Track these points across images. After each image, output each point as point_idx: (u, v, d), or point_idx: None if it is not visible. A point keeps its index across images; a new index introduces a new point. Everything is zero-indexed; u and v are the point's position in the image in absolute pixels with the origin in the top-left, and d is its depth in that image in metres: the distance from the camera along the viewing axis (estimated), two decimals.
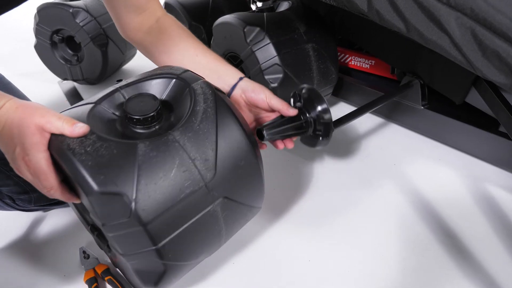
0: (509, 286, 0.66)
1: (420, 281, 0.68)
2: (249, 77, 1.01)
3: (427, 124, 0.99)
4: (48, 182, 0.48)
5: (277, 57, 0.94)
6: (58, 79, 1.50)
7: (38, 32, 1.36)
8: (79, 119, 0.50)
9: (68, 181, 0.52)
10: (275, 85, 0.95)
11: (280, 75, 0.95)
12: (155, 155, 0.48)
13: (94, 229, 0.61)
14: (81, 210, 0.64)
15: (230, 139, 0.54)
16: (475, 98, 0.85)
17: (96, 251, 0.75)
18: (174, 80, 0.58)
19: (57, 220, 0.84)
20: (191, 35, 0.73)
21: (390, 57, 1.00)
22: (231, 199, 0.55)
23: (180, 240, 0.51)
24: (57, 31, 1.36)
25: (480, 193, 0.85)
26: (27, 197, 0.69)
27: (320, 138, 0.67)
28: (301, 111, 0.68)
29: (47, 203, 0.74)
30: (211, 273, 0.72)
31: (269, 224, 0.82)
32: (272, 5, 1.14)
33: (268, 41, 0.94)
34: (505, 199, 0.83)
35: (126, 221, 0.46)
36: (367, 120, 1.12)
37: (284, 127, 0.65)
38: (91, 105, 0.54)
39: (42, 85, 1.53)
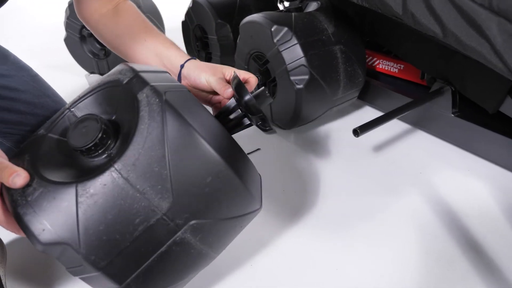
0: None
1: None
2: (274, 78, 1.00)
3: (457, 132, 0.96)
4: (11, 228, 0.46)
5: (304, 58, 0.92)
6: (86, 72, 1.52)
7: (68, 26, 1.39)
8: (29, 156, 0.48)
9: None
10: (300, 86, 0.94)
11: (306, 77, 0.93)
12: (96, 197, 0.43)
13: None
14: None
15: (187, 157, 0.45)
16: (510, 108, 0.82)
17: None
18: (121, 89, 0.49)
19: None
20: (146, 21, 0.71)
21: (420, 61, 0.97)
22: (204, 220, 0.47)
23: (148, 275, 0.46)
24: None
25: (509, 206, 0.81)
26: None
27: (266, 131, 0.59)
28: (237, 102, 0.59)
29: None
30: (227, 274, 0.71)
31: (289, 227, 0.80)
32: (300, 5, 1.12)
33: (296, 41, 0.93)
34: None
35: (81, 268, 0.43)
36: (393, 126, 1.09)
37: (223, 118, 0.58)
38: (40, 136, 0.50)
39: (70, 77, 1.56)
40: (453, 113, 0.94)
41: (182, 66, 0.65)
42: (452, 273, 0.68)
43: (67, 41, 1.43)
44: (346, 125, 1.14)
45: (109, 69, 1.43)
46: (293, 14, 0.99)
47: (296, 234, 0.79)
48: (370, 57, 1.18)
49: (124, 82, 0.49)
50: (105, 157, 0.46)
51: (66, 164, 0.48)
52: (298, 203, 0.87)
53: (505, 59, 0.50)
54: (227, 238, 0.54)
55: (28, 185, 0.44)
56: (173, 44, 0.69)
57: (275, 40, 0.94)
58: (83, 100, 0.51)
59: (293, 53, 0.93)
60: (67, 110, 0.51)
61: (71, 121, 0.50)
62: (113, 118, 0.50)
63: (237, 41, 1.09)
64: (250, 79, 0.63)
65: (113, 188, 0.43)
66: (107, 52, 1.41)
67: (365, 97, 1.18)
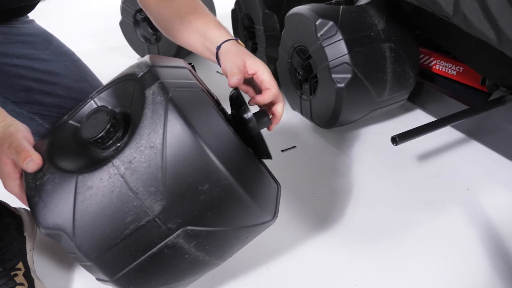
0: None
1: None
2: (316, 75, 0.95)
3: None
4: (25, 203, 0.49)
5: (347, 55, 0.87)
6: (138, 56, 1.57)
7: (123, 10, 1.43)
8: (48, 140, 0.50)
9: None
10: (341, 85, 0.88)
11: (349, 75, 0.87)
12: (93, 190, 0.43)
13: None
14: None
15: (185, 161, 0.43)
16: None
17: None
18: (135, 83, 0.49)
19: None
20: (196, 2, 0.69)
21: (481, 65, 0.87)
22: (199, 227, 0.46)
23: (139, 273, 0.46)
24: (140, 10, 1.42)
25: None
26: None
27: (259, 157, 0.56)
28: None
29: None
30: (242, 275, 0.70)
31: (312, 233, 0.77)
32: None
33: (340, 37, 0.87)
34: None
35: (76, 256, 0.45)
36: (445, 133, 0.99)
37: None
38: (63, 121, 0.52)
39: (123, 60, 1.62)
40: None
41: (218, 48, 0.63)
42: None
43: (122, 25, 1.48)
44: (392, 129, 1.06)
45: (159, 54, 1.47)
46: (341, 7, 0.92)
47: (319, 242, 0.75)
48: (427, 57, 1.08)
49: (139, 76, 0.48)
50: (113, 149, 0.46)
51: (79, 152, 0.48)
52: (326, 208, 0.82)
53: None
54: (230, 247, 0.52)
55: (40, 169, 0.46)
56: (217, 24, 0.66)
57: (318, 35, 0.89)
58: (105, 90, 0.52)
59: (337, 50, 0.88)
60: (90, 99, 0.52)
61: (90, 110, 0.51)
62: (128, 111, 0.49)
63: (282, 33, 1.05)
64: (277, 108, 0.59)
65: (108, 184, 0.43)
66: (158, 37, 1.44)
67: (417, 100, 1.09)
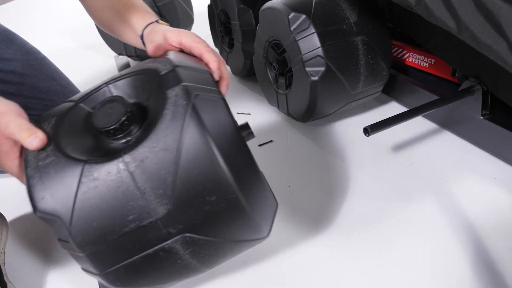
0: None
1: None
2: (290, 68, 0.95)
3: (486, 136, 0.87)
4: (21, 181, 0.47)
5: (320, 48, 0.87)
6: (115, 53, 1.55)
7: None
8: (55, 120, 0.48)
9: None
10: (315, 78, 0.89)
11: (322, 68, 0.88)
12: (98, 182, 0.42)
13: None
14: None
15: (198, 170, 0.43)
16: None
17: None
18: (157, 79, 0.48)
19: None
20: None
21: (450, 56, 0.89)
22: (198, 236, 0.46)
23: (128, 271, 0.46)
24: None
25: None
26: None
27: None
28: None
29: None
30: (218, 270, 0.70)
31: (290, 227, 0.77)
32: None
33: (313, 30, 0.88)
34: None
35: (68, 244, 0.43)
36: (417, 124, 1.01)
37: None
38: (72, 103, 0.50)
39: (100, 58, 1.60)
40: (483, 115, 0.85)
41: (142, 35, 0.62)
42: None
43: None
44: (367, 122, 1.05)
45: (136, 52, 1.45)
46: (314, 0, 0.93)
47: (295, 234, 0.76)
48: (400, 49, 1.10)
49: (162, 73, 0.48)
50: (124, 142, 0.45)
51: (86, 138, 0.48)
52: (301, 200, 0.83)
53: None
54: (222, 257, 0.52)
55: (43, 149, 0.45)
56: (140, 11, 0.64)
57: (292, 28, 0.89)
58: (122, 79, 0.51)
59: (310, 43, 0.88)
60: (105, 85, 0.51)
61: (105, 97, 0.50)
62: (145, 104, 0.49)
63: (257, 27, 1.05)
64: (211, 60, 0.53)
65: (116, 179, 0.42)
66: None
67: (391, 92, 1.11)
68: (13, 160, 0.46)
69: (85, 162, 0.43)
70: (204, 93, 0.46)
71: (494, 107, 0.85)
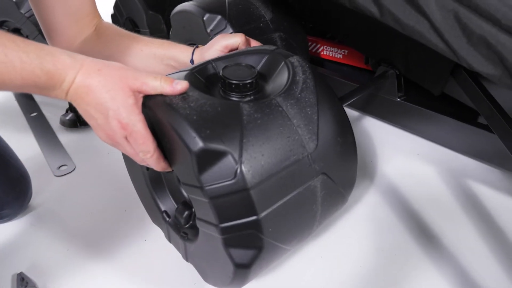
0: (488, 285, 0.61)
1: (395, 282, 0.62)
2: None
3: (405, 117, 0.93)
4: (146, 145, 0.46)
5: None
6: None
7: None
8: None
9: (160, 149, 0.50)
10: None
11: None
12: (259, 117, 0.46)
13: (168, 216, 0.61)
14: (156, 191, 0.62)
15: (330, 113, 0.51)
16: (454, 89, 0.79)
17: (38, 276, 0.65)
18: (267, 56, 0.57)
19: None
20: (129, 33, 0.68)
21: (363, 45, 0.93)
22: (330, 177, 0.51)
23: (280, 214, 0.47)
24: (1, 23, 1.23)
25: (460, 189, 0.80)
26: None
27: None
28: None
29: None
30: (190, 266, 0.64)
31: None
32: None
33: (231, 30, 0.86)
34: (485, 194, 0.78)
35: (230, 183, 0.43)
36: None
37: None
38: (186, 72, 0.53)
39: None
40: (399, 97, 0.91)
41: (192, 62, 0.64)
42: (408, 266, 0.65)
43: None
44: None
45: None
46: (227, 0, 0.91)
47: None
48: (314, 44, 1.13)
49: (272, 50, 0.58)
50: (239, 97, 0.50)
51: (214, 93, 0.52)
52: None
53: (445, 38, 0.45)
54: (331, 210, 0.57)
55: (188, 94, 0.47)
56: (170, 43, 0.67)
57: (208, 30, 0.86)
58: (224, 59, 0.57)
59: None
60: (209, 63, 0.56)
61: (216, 70, 0.55)
62: (259, 70, 0.56)
63: (170, 33, 1.00)
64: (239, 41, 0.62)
65: (274, 114, 0.47)
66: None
67: None
68: (138, 115, 0.45)
69: (240, 102, 0.48)
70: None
71: (408, 89, 0.91)
